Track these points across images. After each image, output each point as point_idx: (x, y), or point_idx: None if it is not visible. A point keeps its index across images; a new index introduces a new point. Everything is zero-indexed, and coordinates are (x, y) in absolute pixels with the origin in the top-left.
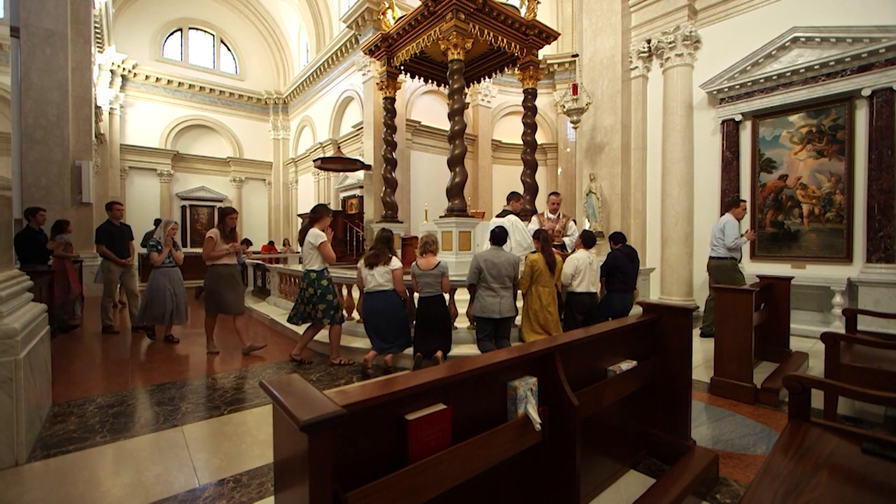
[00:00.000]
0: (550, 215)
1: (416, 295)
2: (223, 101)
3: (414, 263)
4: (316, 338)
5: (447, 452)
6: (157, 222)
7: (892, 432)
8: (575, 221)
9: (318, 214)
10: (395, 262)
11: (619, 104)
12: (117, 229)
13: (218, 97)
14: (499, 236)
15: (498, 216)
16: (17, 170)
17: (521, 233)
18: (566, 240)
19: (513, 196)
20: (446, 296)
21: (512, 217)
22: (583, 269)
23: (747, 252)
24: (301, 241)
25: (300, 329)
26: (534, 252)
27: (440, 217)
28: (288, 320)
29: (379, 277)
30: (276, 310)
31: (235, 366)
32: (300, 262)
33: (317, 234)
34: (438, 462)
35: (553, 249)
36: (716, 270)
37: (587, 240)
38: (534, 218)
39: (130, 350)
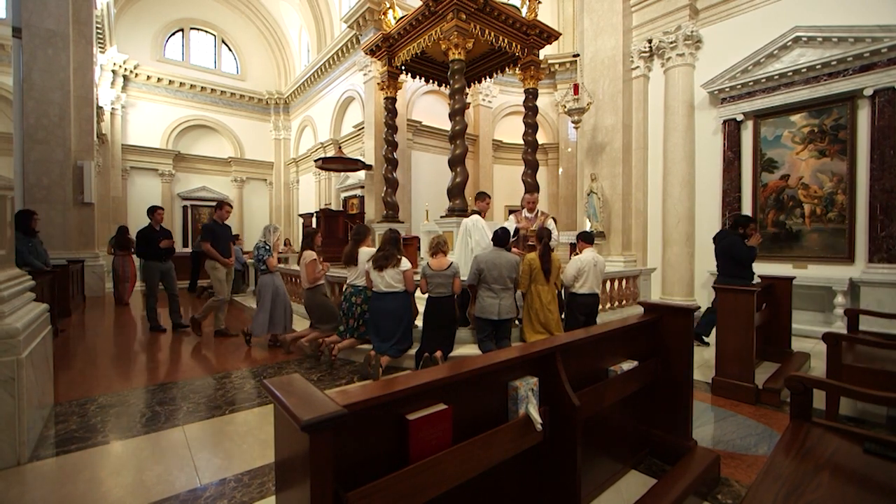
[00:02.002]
0: (527, 214)
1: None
2: (224, 101)
3: (425, 264)
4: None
5: (448, 452)
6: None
7: (894, 433)
8: (555, 220)
9: (361, 236)
10: (406, 263)
11: (620, 104)
12: (221, 228)
13: (219, 97)
14: (501, 238)
15: (456, 214)
16: (19, 170)
17: (480, 232)
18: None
19: (479, 196)
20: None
21: (474, 217)
22: (586, 271)
23: None
24: (348, 261)
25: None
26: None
27: (441, 217)
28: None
29: (389, 279)
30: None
31: (237, 365)
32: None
33: (371, 252)
34: (439, 462)
35: (549, 251)
36: None
37: (587, 238)
38: (511, 216)
39: (135, 349)
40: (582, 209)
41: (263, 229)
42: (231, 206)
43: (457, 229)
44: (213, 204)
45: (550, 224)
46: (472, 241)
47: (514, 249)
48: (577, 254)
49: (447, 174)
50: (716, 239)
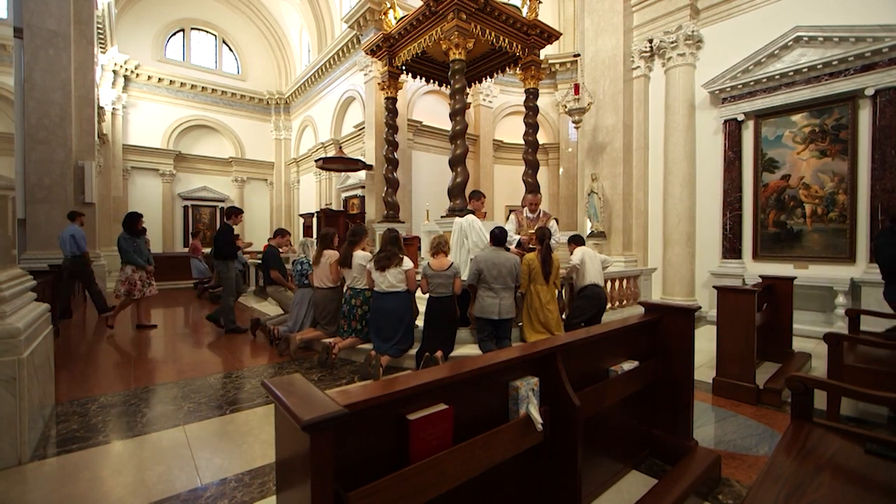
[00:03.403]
0: (529, 214)
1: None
2: (225, 101)
3: (426, 264)
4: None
5: (448, 452)
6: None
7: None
8: (557, 220)
9: (357, 237)
10: (408, 263)
11: (620, 104)
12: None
13: (220, 97)
14: (499, 237)
15: (457, 214)
16: (21, 170)
17: (477, 233)
18: (552, 241)
19: (473, 195)
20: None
21: (469, 217)
22: (589, 259)
23: (749, 252)
24: (344, 263)
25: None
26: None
27: (441, 217)
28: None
29: (392, 279)
30: (277, 310)
31: (237, 365)
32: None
33: (367, 256)
34: (440, 462)
35: (549, 251)
36: None
37: (577, 240)
38: (511, 216)
39: (136, 349)
40: (582, 209)
41: (300, 245)
42: (290, 234)
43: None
44: (214, 204)
45: (553, 225)
46: (469, 242)
47: (511, 249)
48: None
49: (448, 174)
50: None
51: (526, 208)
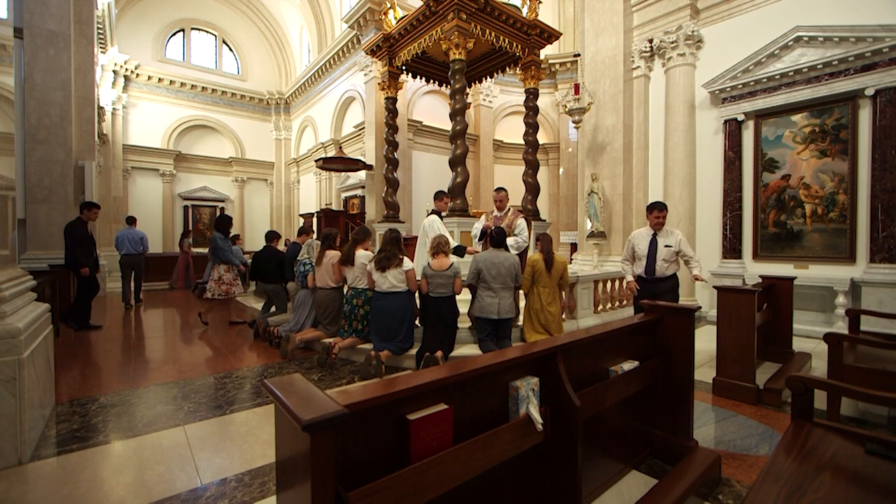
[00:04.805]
0: (497, 213)
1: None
2: (225, 101)
3: (426, 264)
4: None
5: (449, 452)
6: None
7: None
8: (527, 219)
9: (360, 237)
10: (408, 263)
11: (620, 104)
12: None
13: (220, 97)
14: (496, 239)
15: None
16: (21, 170)
17: (435, 233)
18: (510, 240)
19: (436, 195)
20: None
21: (432, 217)
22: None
23: (749, 252)
24: (346, 261)
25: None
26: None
27: (442, 217)
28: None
29: (392, 279)
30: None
31: (237, 365)
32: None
33: (368, 255)
34: (440, 462)
35: (549, 245)
36: None
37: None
38: (482, 216)
39: (135, 349)
40: (583, 209)
41: (306, 246)
42: (311, 233)
43: (457, 230)
44: (214, 204)
45: (521, 224)
46: (428, 241)
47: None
48: (657, 228)
49: (448, 174)
50: None
51: (495, 208)
